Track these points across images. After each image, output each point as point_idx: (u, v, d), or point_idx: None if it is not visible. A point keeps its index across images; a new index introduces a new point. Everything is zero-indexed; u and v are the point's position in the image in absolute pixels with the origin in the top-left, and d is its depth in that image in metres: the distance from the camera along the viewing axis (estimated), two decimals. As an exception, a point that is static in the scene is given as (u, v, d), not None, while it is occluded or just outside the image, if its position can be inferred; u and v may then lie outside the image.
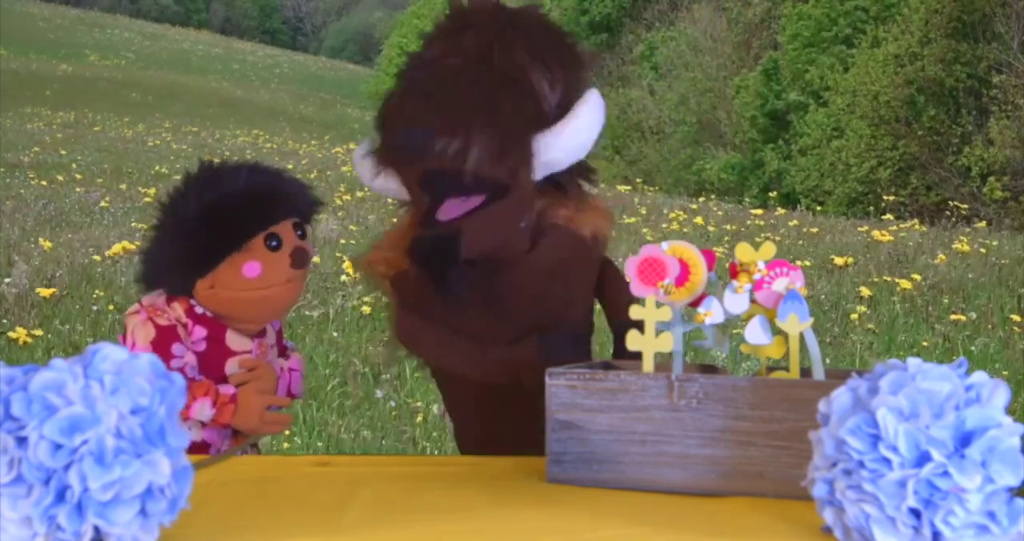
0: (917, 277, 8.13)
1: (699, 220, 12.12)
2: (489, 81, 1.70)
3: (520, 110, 1.71)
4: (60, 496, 1.04)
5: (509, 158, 1.69)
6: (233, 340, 1.94)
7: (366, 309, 6.64)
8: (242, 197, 1.88)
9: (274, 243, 1.89)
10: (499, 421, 1.84)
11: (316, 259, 7.99)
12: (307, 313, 6.76)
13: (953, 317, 7.05)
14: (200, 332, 1.91)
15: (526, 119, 1.71)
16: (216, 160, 1.98)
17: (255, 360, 1.95)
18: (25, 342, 5.24)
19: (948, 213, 13.95)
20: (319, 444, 4.63)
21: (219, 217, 1.86)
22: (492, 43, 1.74)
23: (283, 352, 2.08)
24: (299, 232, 1.94)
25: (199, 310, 1.91)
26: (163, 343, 1.86)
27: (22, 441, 1.04)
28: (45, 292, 6.17)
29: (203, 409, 1.84)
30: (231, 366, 1.93)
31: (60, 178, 13.86)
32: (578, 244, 1.79)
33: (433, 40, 1.83)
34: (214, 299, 1.89)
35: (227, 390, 1.87)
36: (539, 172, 1.75)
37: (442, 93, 1.69)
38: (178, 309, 1.90)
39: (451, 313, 1.79)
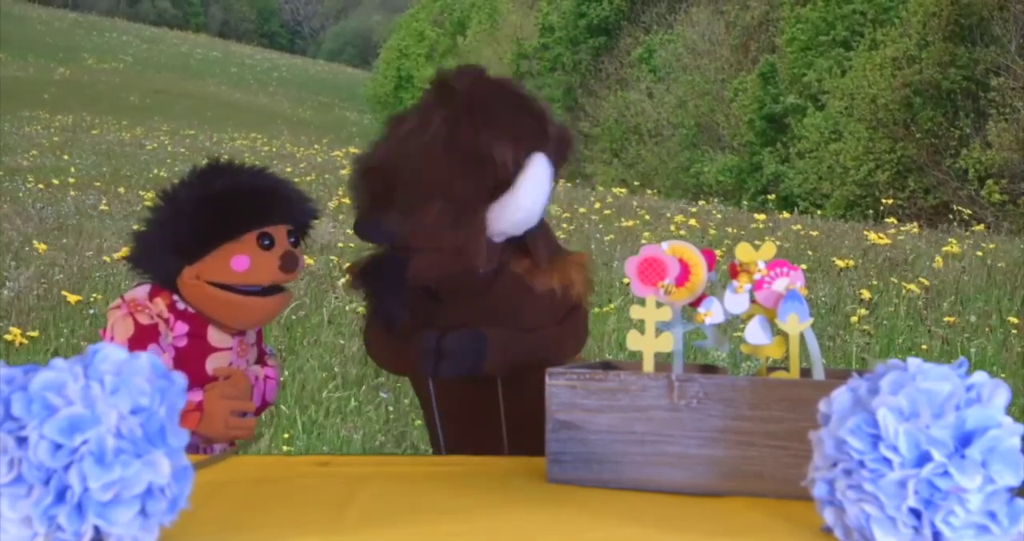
0: (923, 281, 8.13)
1: (694, 222, 12.12)
2: (448, 161, 1.81)
3: (469, 187, 1.82)
4: (60, 496, 1.04)
5: (461, 230, 1.81)
6: (214, 336, 1.95)
7: (361, 310, 6.63)
8: (243, 192, 1.91)
9: (267, 242, 1.90)
10: (470, 425, 1.95)
11: (310, 261, 8.00)
12: (304, 315, 6.76)
13: (952, 320, 7.04)
14: (182, 328, 1.92)
15: (480, 194, 1.83)
16: (223, 159, 2.01)
17: (230, 369, 1.95)
18: (21, 344, 5.23)
19: (946, 216, 13.96)
20: (318, 445, 4.62)
21: (217, 206, 1.88)
22: (460, 121, 1.83)
23: (261, 355, 2.08)
24: (292, 239, 1.95)
25: (181, 306, 1.92)
26: (140, 342, 1.87)
27: (22, 441, 1.04)
28: (75, 297, 6.16)
29: None
30: (212, 363, 1.94)
31: (57, 182, 13.84)
32: (526, 295, 1.91)
33: (410, 113, 1.92)
34: (197, 291, 1.89)
35: (194, 396, 1.86)
36: (496, 237, 1.87)
37: (403, 174, 1.81)
38: (160, 304, 1.90)
39: (395, 343, 1.93)
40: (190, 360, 1.91)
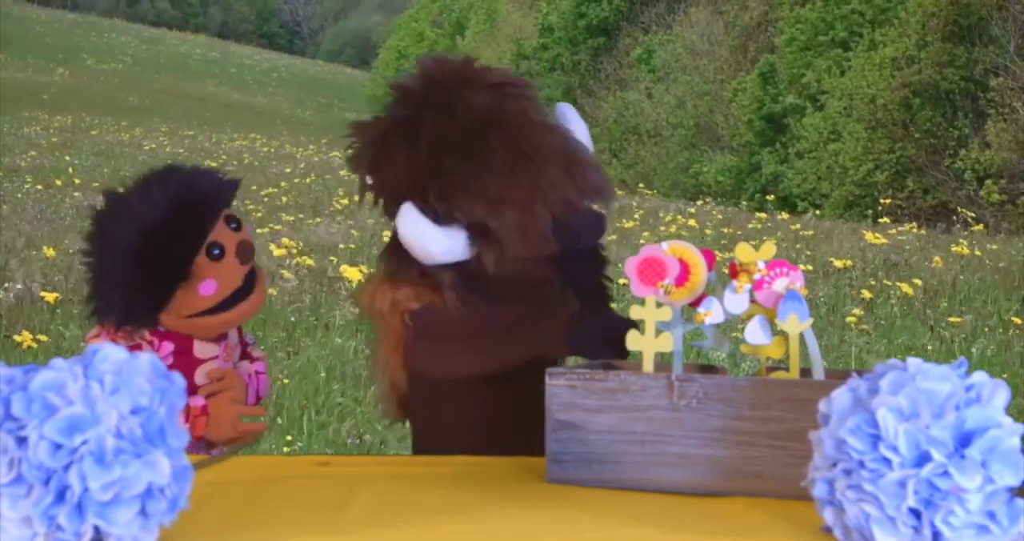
0: (918, 281, 8.13)
1: (693, 222, 12.12)
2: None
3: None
4: (60, 496, 1.04)
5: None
6: (200, 349, 1.92)
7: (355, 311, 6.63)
8: (166, 223, 1.78)
9: (216, 251, 1.82)
10: (495, 432, 1.85)
11: (310, 262, 8.00)
12: (305, 316, 6.76)
13: (951, 320, 7.05)
14: (167, 347, 1.89)
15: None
16: (121, 188, 1.87)
17: (222, 370, 1.94)
18: (30, 346, 5.23)
19: (945, 216, 13.96)
20: (318, 448, 4.62)
21: (152, 254, 1.77)
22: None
23: (245, 349, 2.06)
24: (232, 224, 1.87)
25: (162, 327, 1.87)
26: None
27: (22, 441, 1.04)
28: (51, 296, 6.16)
29: None
30: (200, 375, 1.92)
31: (58, 182, 13.84)
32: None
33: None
34: (179, 325, 1.87)
35: (197, 402, 1.86)
36: None
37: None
38: (142, 329, 1.88)
39: (484, 338, 1.85)
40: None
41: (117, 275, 1.80)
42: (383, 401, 2.02)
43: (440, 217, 1.77)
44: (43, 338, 5.56)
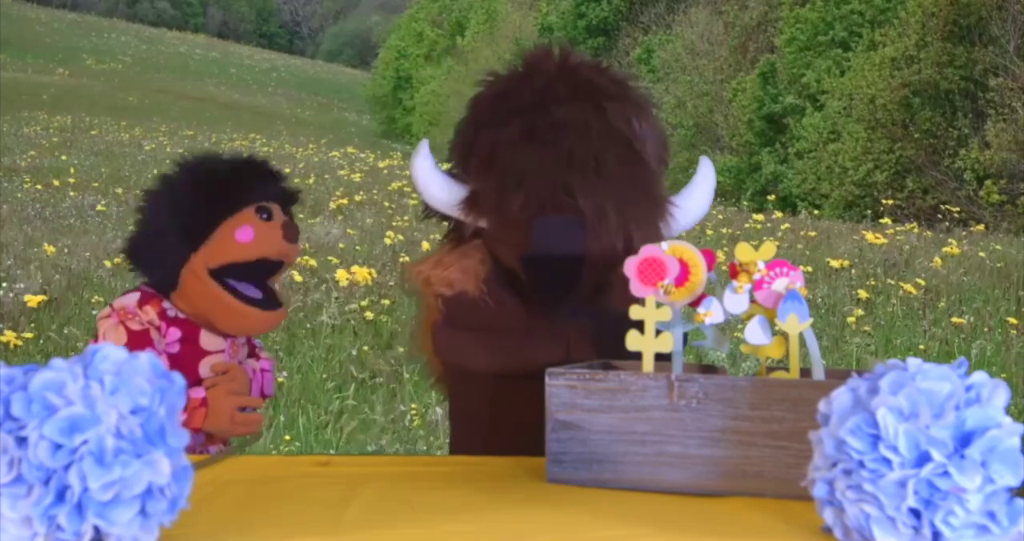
0: (921, 282, 8.13)
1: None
2: (636, 161, 1.80)
3: (663, 192, 1.82)
4: (60, 496, 1.04)
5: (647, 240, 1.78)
6: (207, 340, 1.94)
7: (369, 315, 6.64)
8: (232, 171, 1.94)
9: (265, 215, 1.92)
10: (515, 427, 1.85)
11: (312, 262, 8.00)
12: (304, 316, 6.76)
13: (951, 320, 7.05)
14: (174, 334, 1.91)
15: (666, 201, 1.83)
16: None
17: (227, 364, 1.95)
18: (16, 345, 5.23)
19: (945, 216, 13.96)
20: (316, 448, 4.62)
21: (212, 184, 1.91)
22: (630, 119, 1.84)
23: (252, 350, 2.08)
24: (263, 215, 1.95)
25: (172, 312, 1.91)
26: (134, 349, 1.84)
27: (22, 441, 1.04)
28: (36, 298, 6.15)
29: None
30: (205, 367, 1.93)
31: (56, 182, 13.84)
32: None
33: (553, 97, 1.84)
34: (201, 289, 1.89)
35: (197, 394, 1.86)
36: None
37: (599, 172, 1.76)
38: (151, 312, 1.90)
39: (508, 336, 1.84)
40: (184, 365, 1.89)
41: (170, 202, 1.92)
42: (428, 375, 2.09)
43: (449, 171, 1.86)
44: (28, 335, 5.55)
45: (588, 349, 1.78)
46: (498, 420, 1.89)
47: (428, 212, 1.97)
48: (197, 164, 1.97)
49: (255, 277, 1.94)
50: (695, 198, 1.88)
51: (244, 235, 1.89)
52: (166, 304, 1.92)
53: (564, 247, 1.76)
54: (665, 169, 1.90)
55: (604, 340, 1.75)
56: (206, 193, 1.90)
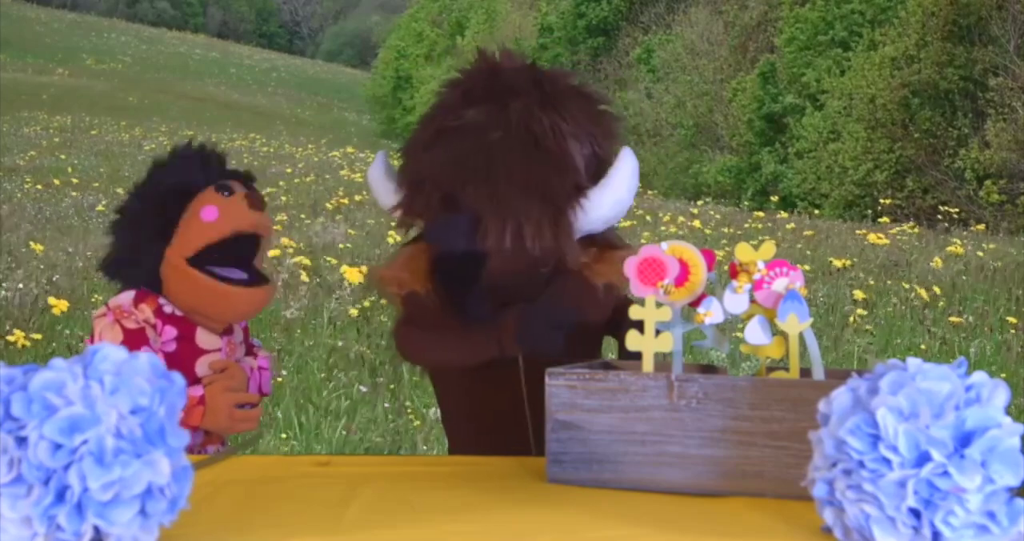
0: (917, 281, 8.13)
1: (698, 223, 12.13)
2: (536, 158, 1.78)
3: (563, 188, 1.80)
4: (60, 496, 1.04)
5: (556, 239, 1.78)
6: (203, 339, 1.94)
7: (353, 312, 6.64)
8: (186, 158, 1.96)
9: (225, 192, 1.92)
10: (490, 418, 1.91)
11: (307, 261, 8.00)
12: (303, 316, 6.76)
13: (950, 320, 7.05)
14: (170, 332, 1.91)
15: (568, 196, 1.80)
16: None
17: (225, 361, 1.95)
18: (24, 345, 5.23)
19: (944, 216, 13.96)
20: (316, 447, 4.62)
21: (165, 179, 1.93)
22: (535, 115, 1.81)
23: (250, 350, 2.08)
24: (224, 192, 1.95)
25: (168, 309, 1.91)
26: (130, 347, 1.84)
27: (22, 441, 1.04)
28: (62, 304, 6.15)
29: None
30: (202, 366, 1.93)
31: (57, 182, 13.84)
32: (586, 290, 1.88)
33: (470, 100, 1.86)
34: (184, 279, 1.89)
35: (195, 391, 1.86)
36: (577, 235, 1.84)
37: (489, 172, 1.77)
38: (146, 310, 1.89)
39: (455, 334, 1.87)
40: (180, 364, 1.89)
41: (131, 207, 1.96)
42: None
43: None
44: (37, 336, 5.55)
45: (515, 345, 1.82)
46: (474, 412, 1.95)
47: (403, 222, 2.01)
48: (151, 169, 1.99)
49: (236, 259, 1.94)
50: (608, 190, 1.85)
51: (209, 214, 1.89)
52: (162, 301, 1.91)
53: (456, 245, 1.79)
54: (596, 161, 1.87)
55: (531, 334, 1.78)
56: (164, 187, 1.92)
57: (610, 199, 1.84)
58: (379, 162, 1.96)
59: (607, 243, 1.94)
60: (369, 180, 1.97)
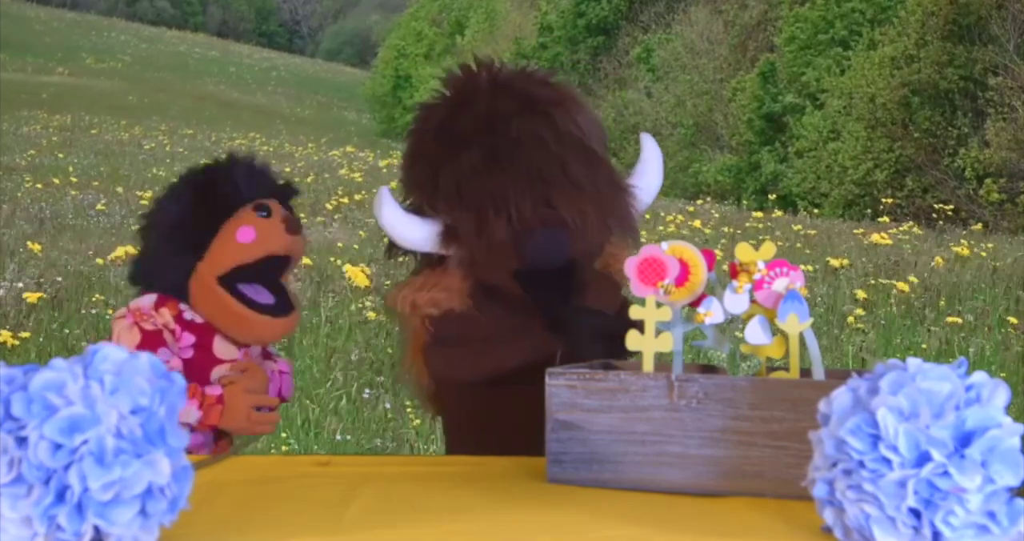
0: (916, 281, 8.13)
1: (694, 222, 12.13)
2: (588, 157, 1.83)
3: (618, 178, 1.87)
4: (60, 496, 1.04)
5: (633, 226, 1.86)
6: (220, 348, 1.93)
7: (371, 315, 6.64)
8: (225, 173, 1.93)
9: (264, 212, 1.90)
10: (517, 431, 1.87)
11: (308, 261, 8.00)
12: (303, 316, 6.75)
13: (950, 319, 7.04)
14: (188, 339, 1.90)
15: (626, 185, 1.86)
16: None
17: (246, 362, 1.94)
18: (13, 346, 5.22)
19: (944, 215, 13.97)
20: (315, 447, 4.62)
21: (206, 191, 1.91)
22: (567, 117, 1.86)
23: (267, 356, 2.07)
24: (285, 210, 1.96)
25: (188, 316, 1.90)
26: (148, 348, 1.84)
27: (22, 441, 1.04)
28: (35, 296, 6.14)
29: (190, 412, 1.82)
30: (217, 374, 1.92)
31: (56, 181, 13.84)
32: (613, 288, 1.92)
33: (487, 117, 1.87)
34: (211, 298, 1.88)
35: (213, 391, 1.86)
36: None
37: (568, 178, 1.79)
38: (166, 315, 1.89)
39: (494, 349, 1.87)
40: (196, 372, 1.89)
41: (167, 215, 1.93)
42: (416, 397, 2.10)
43: (412, 208, 1.89)
44: (25, 335, 5.54)
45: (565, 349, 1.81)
46: (494, 426, 1.89)
47: (394, 251, 1.99)
48: (189, 175, 1.97)
49: (265, 277, 1.93)
50: (649, 175, 1.93)
51: (245, 235, 1.88)
52: (183, 306, 1.91)
53: (554, 257, 1.81)
54: (607, 152, 1.94)
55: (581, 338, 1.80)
56: (202, 201, 1.90)
57: (654, 184, 1.92)
58: (388, 202, 1.89)
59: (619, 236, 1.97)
60: (388, 221, 1.88)
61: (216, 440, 1.93)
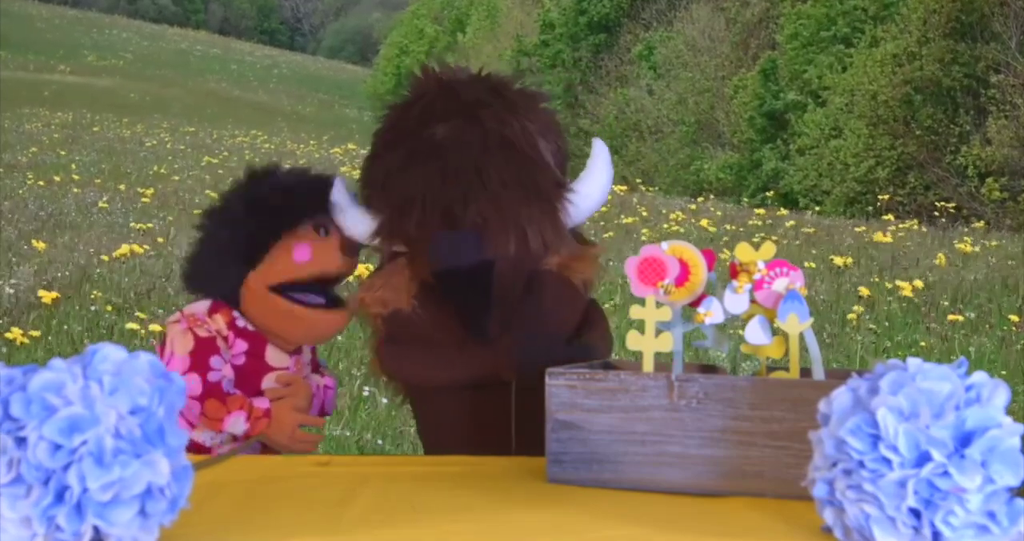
0: (923, 279, 8.12)
1: (696, 220, 12.12)
2: (520, 162, 1.80)
3: (549, 186, 1.82)
4: (59, 496, 1.04)
5: (555, 237, 1.81)
6: (272, 356, 1.94)
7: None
8: (289, 187, 1.92)
9: (323, 231, 1.90)
10: (478, 433, 1.88)
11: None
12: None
13: (951, 317, 7.04)
14: (241, 346, 1.91)
15: (556, 193, 1.83)
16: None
17: (292, 376, 1.95)
18: (23, 343, 5.23)
19: (946, 213, 13.95)
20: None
21: (266, 205, 1.89)
22: (506, 122, 1.82)
23: (316, 368, 2.08)
24: (322, 232, 1.95)
25: (241, 323, 1.91)
26: (201, 355, 1.86)
27: (22, 441, 1.04)
28: (46, 295, 6.14)
29: (237, 422, 1.84)
30: (268, 381, 1.93)
31: (58, 178, 13.84)
32: (566, 289, 1.88)
33: (433, 118, 1.86)
34: (263, 304, 1.88)
35: (261, 404, 1.87)
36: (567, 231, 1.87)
37: (483, 182, 1.77)
38: (220, 321, 1.89)
39: (444, 352, 1.87)
40: (247, 379, 1.90)
41: (226, 221, 1.92)
42: (388, 391, 2.12)
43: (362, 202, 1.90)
44: (35, 334, 5.54)
45: (513, 359, 1.81)
46: (459, 429, 1.91)
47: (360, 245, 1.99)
48: (253, 181, 1.95)
49: (316, 287, 1.94)
50: (590, 180, 1.89)
51: (302, 254, 1.88)
52: (236, 314, 1.91)
53: (462, 260, 1.80)
54: (563, 158, 1.90)
55: (529, 360, 1.75)
56: (263, 214, 1.89)
57: (596, 190, 1.87)
58: (340, 190, 1.92)
59: (578, 239, 1.95)
60: (334, 211, 1.91)
61: (231, 441, 1.93)
